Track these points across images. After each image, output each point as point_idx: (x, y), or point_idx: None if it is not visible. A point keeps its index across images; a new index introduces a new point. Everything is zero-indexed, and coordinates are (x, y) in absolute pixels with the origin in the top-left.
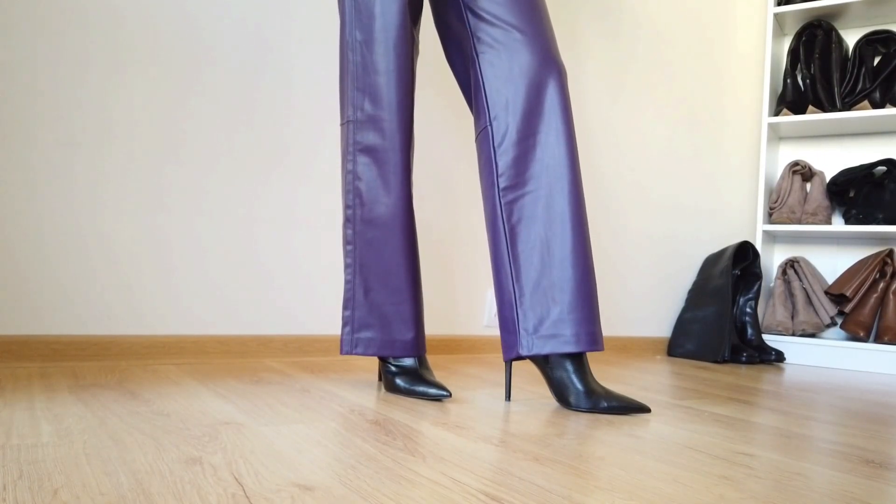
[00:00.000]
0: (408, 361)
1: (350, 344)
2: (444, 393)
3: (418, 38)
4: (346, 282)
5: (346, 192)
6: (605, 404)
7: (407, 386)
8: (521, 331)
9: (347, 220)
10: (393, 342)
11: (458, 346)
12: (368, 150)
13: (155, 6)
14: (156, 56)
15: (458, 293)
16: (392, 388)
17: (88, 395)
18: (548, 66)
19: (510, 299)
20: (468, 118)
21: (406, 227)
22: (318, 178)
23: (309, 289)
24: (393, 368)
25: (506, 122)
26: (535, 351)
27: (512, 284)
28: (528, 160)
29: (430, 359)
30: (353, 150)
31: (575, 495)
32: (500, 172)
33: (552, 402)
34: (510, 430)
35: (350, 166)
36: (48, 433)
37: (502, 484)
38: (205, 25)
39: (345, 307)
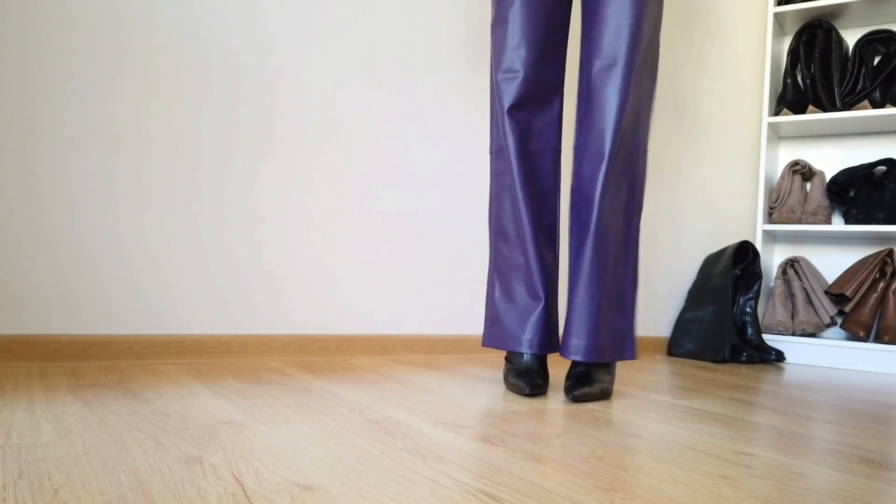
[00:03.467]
0: (523, 357)
1: (484, 336)
2: (527, 390)
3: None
4: (488, 281)
5: (489, 206)
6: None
7: (506, 373)
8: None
9: (489, 231)
10: (511, 338)
11: (459, 346)
12: (502, 175)
13: (156, 6)
14: (156, 56)
15: (459, 293)
16: (504, 377)
17: (88, 395)
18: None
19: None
20: (467, 122)
21: (528, 243)
22: (320, 178)
23: (309, 288)
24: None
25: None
26: (560, 353)
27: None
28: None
29: (431, 358)
30: (493, 174)
31: (575, 495)
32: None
33: (552, 401)
34: (510, 430)
35: (493, 189)
36: (48, 433)
37: (502, 484)
38: (207, 25)
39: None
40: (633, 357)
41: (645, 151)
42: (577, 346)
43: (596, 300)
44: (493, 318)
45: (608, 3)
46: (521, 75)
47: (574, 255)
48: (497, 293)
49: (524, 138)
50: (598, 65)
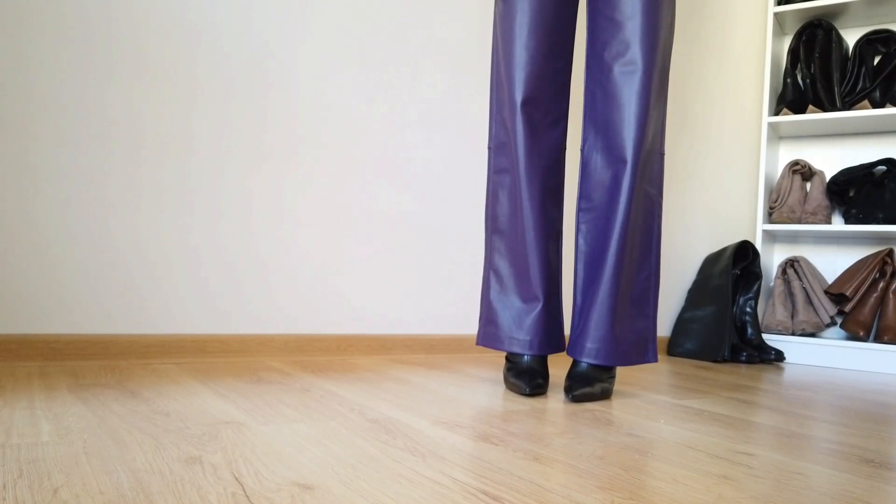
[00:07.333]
0: (523, 357)
1: (479, 335)
2: (526, 390)
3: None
4: (483, 279)
5: (486, 204)
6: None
7: (506, 373)
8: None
9: (485, 229)
10: (507, 339)
11: (458, 346)
12: (501, 172)
13: (154, 6)
14: (155, 55)
15: (459, 292)
16: (504, 377)
17: (88, 395)
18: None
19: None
20: (466, 124)
21: (530, 241)
22: (320, 178)
23: (309, 288)
24: (509, 362)
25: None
26: (572, 354)
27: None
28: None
29: (431, 358)
30: (491, 171)
31: (575, 495)
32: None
33: (552, 401)
34: (510, 430)
35: (490, 185)
36: (48, 432)
37: (502, 483)
38: (205, 24)
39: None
40: (654, 360)
41: (662, 154)
42: (593, 349)
43: (617, 304)
44: (488, 317)
45: (623, 3)
46: (532, 70)
47: (591, 257)
48: (493, 292)
49: (533, 134)
50: (619, 65)
